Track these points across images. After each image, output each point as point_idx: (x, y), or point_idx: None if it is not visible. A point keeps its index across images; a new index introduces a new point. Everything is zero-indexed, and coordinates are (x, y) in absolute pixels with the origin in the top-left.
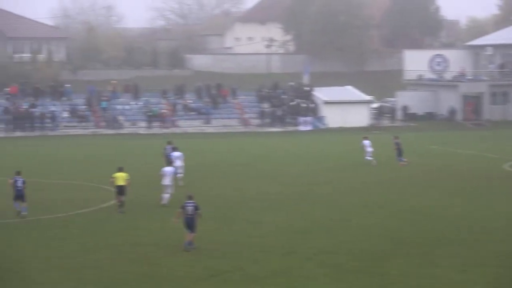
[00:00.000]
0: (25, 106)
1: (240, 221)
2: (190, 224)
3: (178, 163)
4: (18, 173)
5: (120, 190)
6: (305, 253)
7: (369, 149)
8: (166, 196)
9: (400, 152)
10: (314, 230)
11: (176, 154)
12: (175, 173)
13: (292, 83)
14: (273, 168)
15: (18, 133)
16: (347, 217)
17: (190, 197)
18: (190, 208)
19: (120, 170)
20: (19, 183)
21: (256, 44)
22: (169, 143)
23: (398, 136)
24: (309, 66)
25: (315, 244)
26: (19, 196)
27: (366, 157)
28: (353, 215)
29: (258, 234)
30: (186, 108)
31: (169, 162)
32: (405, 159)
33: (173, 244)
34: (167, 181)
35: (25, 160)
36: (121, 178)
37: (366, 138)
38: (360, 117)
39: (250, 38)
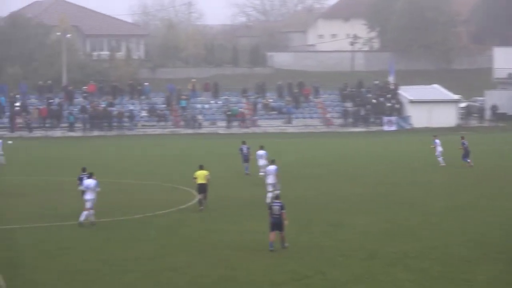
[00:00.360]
0: (103, 105)
1: (321, 223)
2: (277, 224)
3: (262, 161)
4: (84, 170)
5: (201, 188)
6: (388, 258)
7: (439, 149)
8: (270, 195)
9: (467, 153)
10: (398, 234)
11: (260, 152)
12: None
13: (377, 82)
14: (355, 169)
15: (95, 133)
16: (431, 220)
17: (276, 197)
18: (276, 208)
19: (201, 168)
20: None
21: (339, 41)
22: (243, 142)
23: (464, 137)
24: (393, 66)
25: (398, 248)
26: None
27: (437, 157)
28: (438, 218)
29: (339, 237)
30: (267, 107)
31: (245, 161)
32: (469, 160)
33: (252, 247)
34: (270, 179)
35: (102, 160)
36: (201, 176)
37: (436, 137)
38: (447, 117)
39: (333, 35)
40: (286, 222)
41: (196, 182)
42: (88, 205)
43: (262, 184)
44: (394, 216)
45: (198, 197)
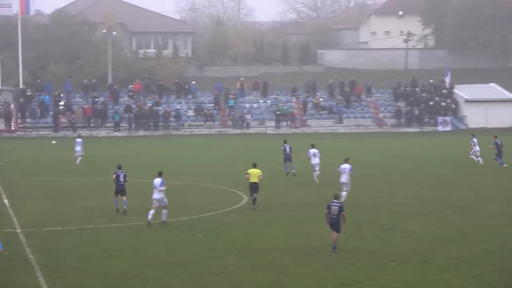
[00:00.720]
0: (149, 104)
1: (372, 227)
2: (334, 225)
3: (315, 160)
4: (120, 168)
5: (253, 186)
6: (442, 263)
7: (476, 148)
8: (343, 194)
9: (500, 153)
10: (452, 238)
11: (313, 151)
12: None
13: (432, 81)
14: (408, 171)
15: (141, 133)
16: (487, 224)
17: (336, 197)
18: (335, 208)
19: (254, 166)
20: (121, 178)
21: (393, 39)
22: (285, 141)
23: (497, 136)
24: (449, 64)
25: (452, 253)
26: (120, 190)
27: (471, 155)
28: (495, 222)
29: (391, 241)
30: (317, 106)
31: (286, 160)
32: (500, 160)
33: (300, 250)
34: (344, 178)
35: (147, 161)
36: (254, 174)
37: (474, 136)
38: (504, 117)
39: (386, 32)
40: (344, 224)
41: (248, 179)
42: (155, 203)
43: (310, 184)
44: (448, 220)
45: (250, 195)
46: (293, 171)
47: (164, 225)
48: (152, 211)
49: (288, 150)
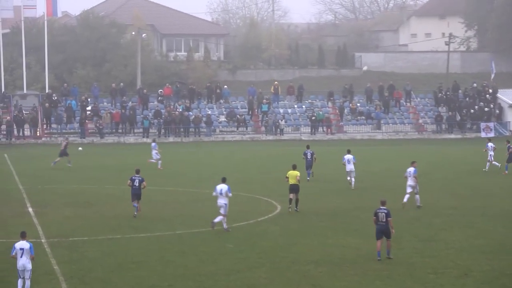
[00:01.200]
0: (179, 109)
1: (411, 238)
2: (383, 231)
3: (350, 167)
4: (138, 172)
5: (293, 188)
6: (483, 276)
7: (491, 153)
8: (416, 197)
9: (510, 158)
10: (494, 250)
11: (347, 157)
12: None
13: (475, 85)
14: (449, 179)
15: (171, 139)
16: None
17: (383, 203)
18: (382, 215)
19: (294, 168)
20: (136, 182)
21: (434, 41)
22: (307, 147)
23: (510, 141)
24: (494, 67)
25: (494, 265)
26: (135, 195)
27: (493, 162)
28: None
29: (431, 253)
30: (354, 112)
31: (308, 167)
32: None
33: (336, 262)
34: (410, 181)
35: (177, 168)
36: (293, 176)
37: (490, 141)
38: None
39: (427, 34)
40: (393, 231)
41: (288, 182)
42: (222, 210)
43: (345, 192)
44: (490, 231)
45: (289, 196)
46: (308, 178)
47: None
48: (220, 217)
49: (309, 156)
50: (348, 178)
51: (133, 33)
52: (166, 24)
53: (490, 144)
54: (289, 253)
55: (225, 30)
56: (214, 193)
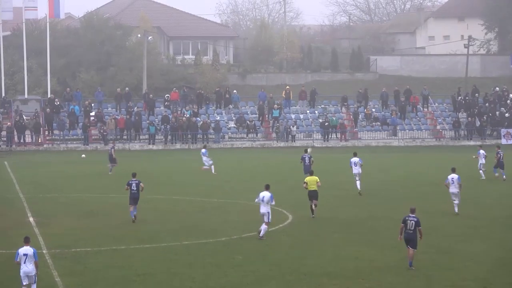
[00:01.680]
0: (186, 114)
1: (428, 249)
2: (410, 240)
3: (357, 169)
4: (134, 176)
5: (312, 195)
6: None
7: (482, 161)
8: (455, 203)
9: (499, 164)
10: None
11: (354, 160)
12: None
13: (497, 89)
14: (468, 187)
15: (178, 145)
16: None
17: (412, 211)
18: (411, 223)
19: (311, 173)
20: (133, 186)
21: (452, 44)
22: (305, 151)
23: (500, 146)
24: None
25: None
26: (133, 199)
27: (480, 169)
28: None
29: (449, 265)
30: (369, 118)
31: (307, 172)
32: (501, 171)
33: (349, 275)
34: (453, 188)
35: (185, 176)
36: (312, 182)
37: (481, 148)
38: None
39: (445, 37)
40: (420, 240)
41: (306, 188)
42: (265, 218)
43: (360, 202)
44: (510, 242)
45: (309, 203)
46: None
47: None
48: (265, 227)
49: (307, 161)
50: (355, 181)
51: (139, 35)
52: (173, 26)
53: (481, 152)
54: (301, 265)
55: (235, 32)
56: (256, 200)
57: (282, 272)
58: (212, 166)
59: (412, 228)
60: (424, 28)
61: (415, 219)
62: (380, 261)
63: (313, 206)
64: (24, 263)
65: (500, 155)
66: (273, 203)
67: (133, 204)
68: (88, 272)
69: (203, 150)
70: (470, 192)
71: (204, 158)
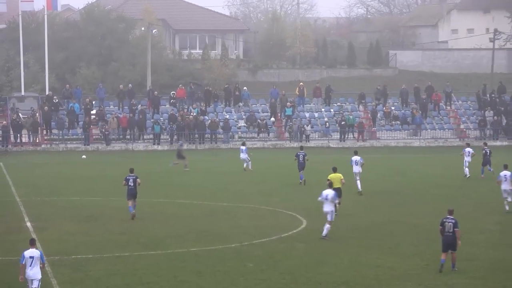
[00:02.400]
0: (193, 113)
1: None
2: (449, 243)
3: (357, 168)
4: (132, 171)
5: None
6: None
7: (467, 159)
8: (509, 200)
9: (485, 161)
10: None
11: (355, 158)
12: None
13: None
14: (495, 191)
15: (184, 146)
16: None
17: (450, 212)
18: (450, 225)
19: (334, 171)
20: (131, 182)
21: (477, 37)
22: (301, 148)
23: (486, 143)
24: None
25: None
26: (131, 194)
27: (464, 168)
28: None
29: (475, 274)
30: (388, 116)
31: (301, 168)
32: (490, 168)
33: (368, 283)
34: (505, 185)
35: (192, 179)
36: (336, 179)
37: (468, 146)
38: None
39: (469, 30)
40: (459, 242)
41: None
42: (328, 217)
43: (378, 206)
44: None
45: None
46: (300, 181)
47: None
48: (328, 226)
49: (301, 158)
50: (356, 180)
51: (143, 28)
52: (180, 19)
53: (468, 150)
54: (316, 273)
55: (245, 25)
56: (319, 198)
57: (295, 281)
58: (249, 163)
59: (451, 230)
60: (447, 21)
61: (453, 221)
62: (401, 269)
63: (336, 205)
64: (30, 266)
65: (487, 152)
66: (337, 201)
67: (131, 199)
68: (89, 280)
69: (243, 147)
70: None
71: (243, 156)
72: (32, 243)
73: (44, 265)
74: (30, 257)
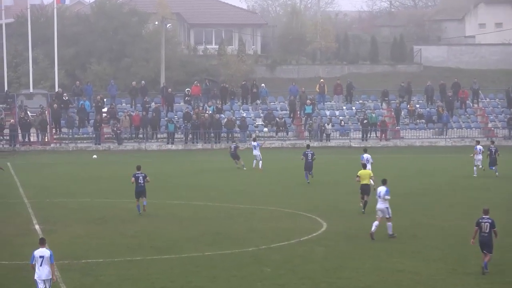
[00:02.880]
0: (209, 111)
1: (478, 261)
2: (485, 244)
3: (367, 167)
4: (139, 168)
5: (365, 189)
6: None
7: (479, 157)
8: None
9: (492, 161)
10: None
11: (366, 156)
12: None
13: None
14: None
15: (199, 145)
16: None
17: (486, 212)
18: (486, 225)
19: (364, 167)
20: (140, 180)
21: (506, 32)
22: (307, 147)
23: (494, 141)
24: None
25: None
26: (140, 192)
27: (475, 165)
28: None
29: (503, 279)
30: (413, 114)
31: (307, 168)
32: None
33: None
34: None
35: (207, 180)
36: (365, 176)
37: (478, 143)
38: None
39: (498, 24)
40: (495, 239)
41: (359, 182)
42: (380, 214)
43: (400, 208)
44: None
45: (360, 198)
46: (308, 180)
47: (369, 241)
48: (376, 223)
49: (310, 157)
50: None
51: (156, 23)
52: (195, 13)
53: (479, 147)
54: (336, 278)
55: (263, 19)
56: (376, 196)
57: (315, 286)
58: (260, 162)
59: (487, 231)
60: (474, 15)
61: (490, 221)
62: (425, 274)
63: (365, 200)
64: (41, 266)
65: (492, 151)
66: (388, 197)
67: (139, 197)
68: (99, 285)
69: (256, 143)
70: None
71: (256, 152)
72: (41, 242)
73: (54, 265)
74: (40, 256)
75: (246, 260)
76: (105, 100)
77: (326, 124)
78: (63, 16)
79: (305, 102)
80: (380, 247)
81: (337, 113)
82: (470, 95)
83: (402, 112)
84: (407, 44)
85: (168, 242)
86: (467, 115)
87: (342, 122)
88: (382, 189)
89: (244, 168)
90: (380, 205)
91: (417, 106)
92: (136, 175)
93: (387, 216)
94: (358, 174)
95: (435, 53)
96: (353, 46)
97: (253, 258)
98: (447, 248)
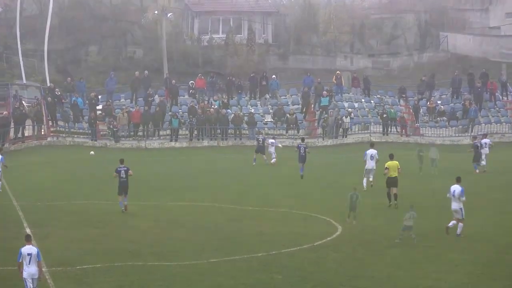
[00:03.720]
0: (215, 105)
1: (503, 272)
2: None
3: (371, 164)
4: (122, 162)
5: (391, 182)
6: None
7: (484, 151)
8: None
9: (475, 157)
10: None
11: (370, 152)
12: None
13: None
14: None
15: (204, 142)
16: None
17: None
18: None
19: (391, 158)
20: (122, 174)
21: None
22: (302, 140)
23: (476, 137)
24: None
25: None
26: (123, 188)
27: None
28: None
29: None
30: (433, 112)
31: (301, 161)
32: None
33: None
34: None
35: (214, 180)
36: (393, 167)
37: (485, 136)
38: None
39: None
40: None
41: (386, 175)
42: (458, 215)
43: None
44: None
45: (391, 191)
46: (301, 173)
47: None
48: (453, 222)
49: (302, 151)
50: (365, 179)
51: (156, 12)
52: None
53: (485, 141)
54: (352, 286)
55: (274, 7)
56: (448, 195)
57: None
58: (274, 159)
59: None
60: (501, 3)
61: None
62: (445, 283)
63: (395, 193)
64: (29, 263)
65: (477, 146)
66: (464, 198)
67: (122, 194)
68: None
69: (273, 141)
70: None
71: (272, 150)
72: (27, 239)
73: (41, 263)
74: (28, 254)
75: (254, 266)
76: (100, 97)
77: (344, 117)
78: (58, 2)
79: (321, 93)
80: (399, 253)
81: (356, 105)
82: (499, 88)
83: (421, 110)
84: (431, 32)
85: (170, 247)
86: (497, 109)
87: (360, 116)
88: (457, 188)
89: (268, 162)
90: (455, 205)
91: (439, 102)
92: (119, 169)
93: (460, 217)
94: (386, 165)
95: (459, 42)
96: (372, 35)
97: (262, 264)
98: (472, 252)
